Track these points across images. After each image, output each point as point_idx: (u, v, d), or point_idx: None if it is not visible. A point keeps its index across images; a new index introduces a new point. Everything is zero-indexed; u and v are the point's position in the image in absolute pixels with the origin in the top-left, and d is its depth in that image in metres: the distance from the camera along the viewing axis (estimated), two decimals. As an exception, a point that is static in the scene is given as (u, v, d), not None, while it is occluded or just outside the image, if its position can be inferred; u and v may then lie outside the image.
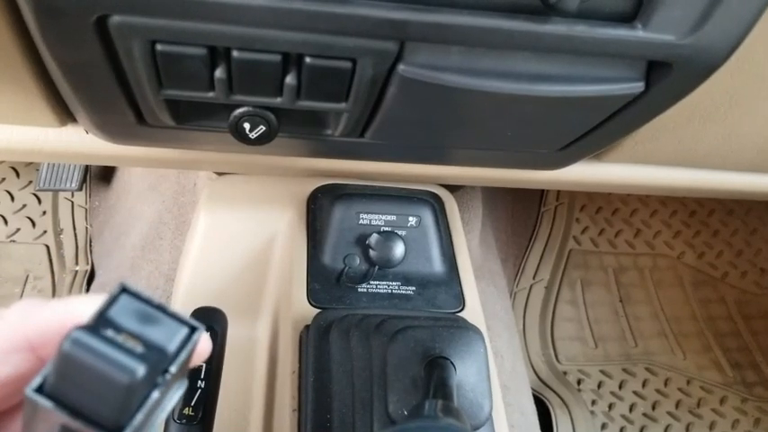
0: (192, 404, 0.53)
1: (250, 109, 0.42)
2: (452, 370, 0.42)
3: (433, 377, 0.41)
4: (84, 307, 0.24)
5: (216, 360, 0.55)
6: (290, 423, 0.51)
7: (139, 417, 0.22)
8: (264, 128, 0.43)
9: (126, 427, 0.21)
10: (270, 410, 0.60)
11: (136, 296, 0.23)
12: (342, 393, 0.49)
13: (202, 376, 0.54)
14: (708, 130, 0.56)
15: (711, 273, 1.38)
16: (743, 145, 0.58)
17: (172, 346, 0.23)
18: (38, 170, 1.16)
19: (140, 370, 0.21)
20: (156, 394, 0.22)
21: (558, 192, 1.40)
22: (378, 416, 0.45)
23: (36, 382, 0.21)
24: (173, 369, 0.22)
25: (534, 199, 1.39)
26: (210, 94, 0.40)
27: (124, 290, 0.23)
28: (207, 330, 0.57)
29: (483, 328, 0.57)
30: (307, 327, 0.55)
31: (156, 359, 0.22)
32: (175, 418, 0.52)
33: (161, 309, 0.23)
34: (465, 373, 0.44)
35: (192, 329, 0.24)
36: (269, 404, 0.60)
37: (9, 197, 1.18)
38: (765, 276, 1.39)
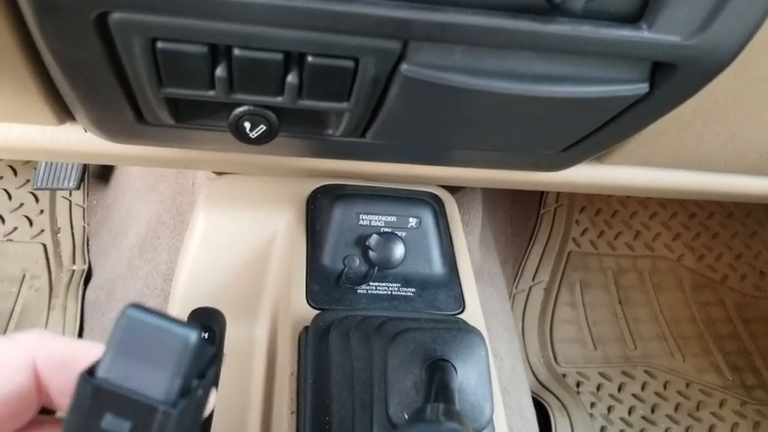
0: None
1: (251, 108, 0.42)
2: (453, 373, 0.42)
3: (435, 380, 0.41)
4: (93, 349, 0.25)
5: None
6: (289, 425, 0.51)
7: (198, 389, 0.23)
8: (265, 127, 0.43)
9: (181, 397, 0.22)
10: (268, 413, 0.59)
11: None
12: (341, 396, 0.48)
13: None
14: (710, 131, 0.55)
15: (711, 275, 1.38)
16: (745, 147, 0.58)
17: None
18: (35, 169, 1.15)
19: (194, 334, 0.22)
20: (195, 383, 0.23)
21: (558, 193, 1.40)
22: (378, 419, 0.44)
23: (85, 369, 0.22)
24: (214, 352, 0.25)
25: (534, 201, 1.39)
26: (211, 93, 0.39)
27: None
28: (205, 332, 0.56)
29: (483, 330, 0.57)
30: (306, 328, 0.54)
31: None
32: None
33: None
34: (466, 376, 0.43)
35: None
36: (267, 406, 0.60)
37: (6, 196, 1.18)
38: (765, 279, 1.39)
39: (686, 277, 1.37)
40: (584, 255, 1.35)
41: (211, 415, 0.52)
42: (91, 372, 0.22)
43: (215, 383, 0.26)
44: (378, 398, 0.45)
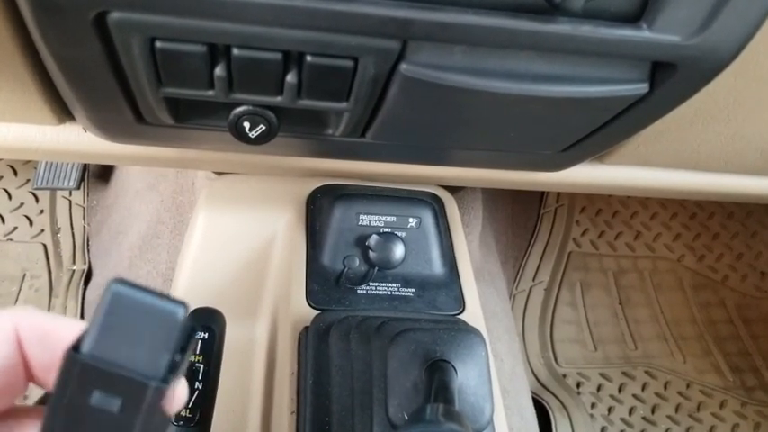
0: (190, 406, 0.52)
1: (250, 108, 0.42)
2: (453, 373, 0.42)
3: (434, 380, 0.41)
4: (76, 325, 0.25)
5: (214, 361, 0.54)
6: (289, 425, 0.51)
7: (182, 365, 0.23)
8: (264, 127, 0.43)
9: (170, 373, 0.22)
10: (268, 413, 0.59)
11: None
12: (341, 396, 0.48)
13: (200, 377, 0.53)
14: (711, 132, 0.55)
15: (711, 276, 1.38)
16: (746, 147, 0.58)
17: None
18: (35, 168, 1.15)
19: (181, 308, 0.22)
20: (177, 356, 0.23)
21: (558, 194, 1.39)
22: (378, 419, 0.44)
23: (70, 345, 0.22)
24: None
25: (534, 201, 1.39)
26: (210, 93, 0.39)
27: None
28: (205, 331, 0.56)
29: (483, 331, 0.57)
30: (306, 328, 0.54)
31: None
32: (172, 420, 0.52)
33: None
34: (466, 377, 0.43)
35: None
36: (267, 406, 0.60)
37: (6, 195, 1.18)
38: (765, 280, 1.39)
39: (687, 278, 1.37)
40: (585, 255, 1.35)
41: (211, 414, 0.52)
42: (76, 348, 0.22)
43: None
44: (377, 398, 0.45)
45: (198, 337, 0.55)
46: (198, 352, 0.54)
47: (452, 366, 0.43)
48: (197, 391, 0.52)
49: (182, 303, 0.22)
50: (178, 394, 0.27)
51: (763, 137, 0.56)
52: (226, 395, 0.58)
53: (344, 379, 0.49)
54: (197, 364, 0.53)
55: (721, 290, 1.37)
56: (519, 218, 1.33)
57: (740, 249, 1.42)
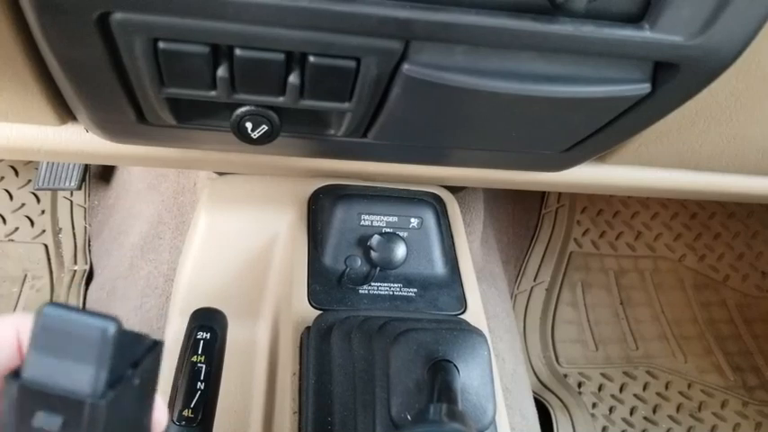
0: (192, 406, 0.52)
1: (252, 108, 0.42)
2: (456, 373, 0.42)
3: (437, 380, 0.41)
4: None
5: (216, 361, 0.54)
6: (291, 425, 0.51)
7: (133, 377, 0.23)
8: (267, 127, 0.43)
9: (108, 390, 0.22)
10: (270, 413, 0.59)
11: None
12: (343, 396, 0.48)
13: (202, 377, 0.54)
14: (712, 132, 0.55)
15: (712, 276, 1.38)
16: (747, 147, 0.58)
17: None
18: (37, 169, 1.15)
19: (111, 324, 0.22)
20: (129, 372, 0.23)
21: (559, 194, 1.39)
22: (380, 419, 0.44)
23: (11, 371, 0.23)
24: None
25: (535, 201, 1.39)
26: (213, 93, 0.39)
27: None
28: (207, 332, 0.56)
29: (485, 331, 0.57)
30: (308, 328, 0.54)
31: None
32: (175, 420, 0.52)
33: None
34: (468, 377, 0.43)
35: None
36: (269, 406, 0.60)
37: (8, 196, 1.18)
38: (766, 280, 1.39)
39: (688, 277, 1.37)
40: (586, 255, 1.35)
41: (213, 414, 0.52)
42: (17, 373, 0.22)
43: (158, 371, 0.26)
44: (380, 398, 0.45)
45: (200, 337, 0.55)
46: (200, 352, 0.54)
47: (455, 366, 0.43)
48: (199, 392, 0.53)
49: (112, 319, 0.22)
50: (156, 417, 0.27)
51: (764, 137, 0.56)
52: (228, 395, 0.58)
53: (347, 379, 0.49)
54: (199, 365, 0.53)
55: (722, 290, 1.37)
56: (520, 218, 1.33)
57: (741, 249, 1.42)
